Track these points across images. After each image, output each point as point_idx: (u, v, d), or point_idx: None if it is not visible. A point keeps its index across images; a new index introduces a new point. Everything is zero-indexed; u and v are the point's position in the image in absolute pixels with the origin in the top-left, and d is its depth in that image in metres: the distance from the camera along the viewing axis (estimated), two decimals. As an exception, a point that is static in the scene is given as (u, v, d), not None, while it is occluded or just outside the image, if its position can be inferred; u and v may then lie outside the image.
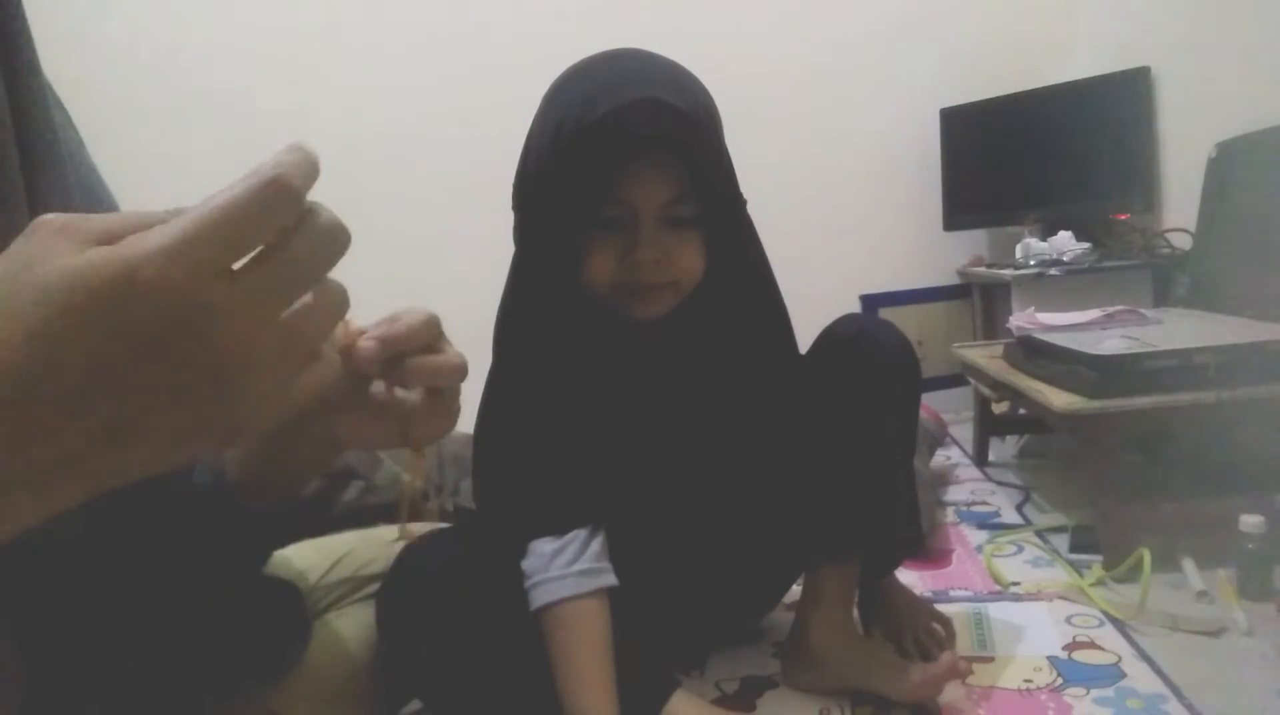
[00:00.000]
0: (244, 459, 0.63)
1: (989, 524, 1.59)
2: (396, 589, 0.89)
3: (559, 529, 0.90)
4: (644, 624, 0.91)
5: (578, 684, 0.85)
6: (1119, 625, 1.13)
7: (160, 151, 2.44)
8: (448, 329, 0.51)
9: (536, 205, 0.88)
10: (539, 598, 0.87)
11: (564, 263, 0.87)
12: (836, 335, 1.00)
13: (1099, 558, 1.31)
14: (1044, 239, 2.10)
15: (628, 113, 0.80)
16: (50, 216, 0.33)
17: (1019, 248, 2.12)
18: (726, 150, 0.89)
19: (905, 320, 2.49)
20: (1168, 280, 1.96)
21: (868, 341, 0.99)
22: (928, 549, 1.46)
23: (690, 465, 0.97)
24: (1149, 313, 1.60)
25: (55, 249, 0.32)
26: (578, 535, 0.90)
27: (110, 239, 0.33)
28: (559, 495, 0.91)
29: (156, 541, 0.61)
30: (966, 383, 2.00)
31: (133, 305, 0.31)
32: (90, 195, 0.61)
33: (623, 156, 0.82)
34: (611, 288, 0.87)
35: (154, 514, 0.58)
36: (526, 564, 0.90)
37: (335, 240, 0.36)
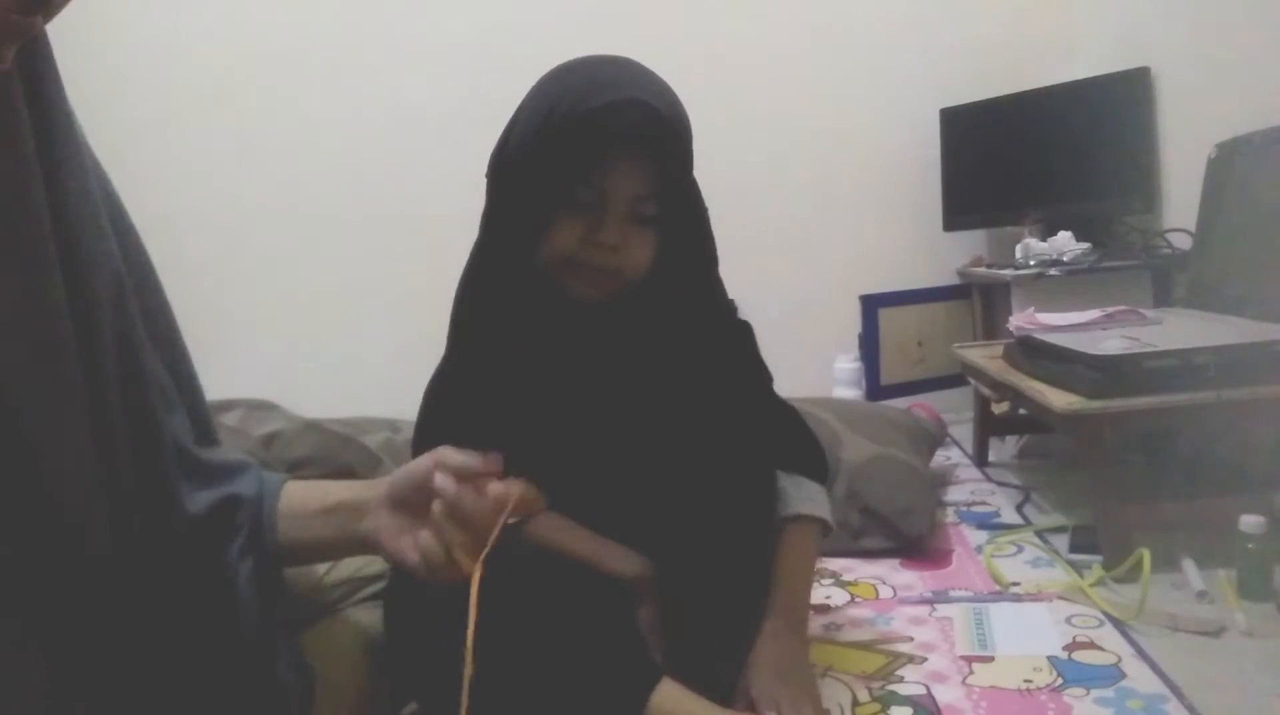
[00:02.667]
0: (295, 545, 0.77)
1: (989, 524, 1.59)
2: (397, 589, 0.90)
3: None
4: (617, 611, 0.92)
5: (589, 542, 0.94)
6: (1119, 625, 1.13)
7: (159, 149, 2.44)
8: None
9: (512, 182, 0.91)
10: None
11: (527, 237, 0.90)
12: None
13: (1099, 558, 1.31)
14: (1044, 239, 2.09)
15: (620, 108, 0.85)
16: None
17: (1019, 248, 2.11)
18: (692, 163, 0.94)
19: (905, 320, 2.49)
20: (1168, 280, 1.96)
21: None
22: (927, 549, 1.46)
23: (627, 453, 0.97)
24: (1149, 313, 1.60)
25: None
26: None
27: None
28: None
29: (181, 602, 0.68)
30: (966, 383, 2.00)
31: None
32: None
33: (607, 147, 0.87)
34: (563, 263, 0.91)
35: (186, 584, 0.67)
36: None
37: None
